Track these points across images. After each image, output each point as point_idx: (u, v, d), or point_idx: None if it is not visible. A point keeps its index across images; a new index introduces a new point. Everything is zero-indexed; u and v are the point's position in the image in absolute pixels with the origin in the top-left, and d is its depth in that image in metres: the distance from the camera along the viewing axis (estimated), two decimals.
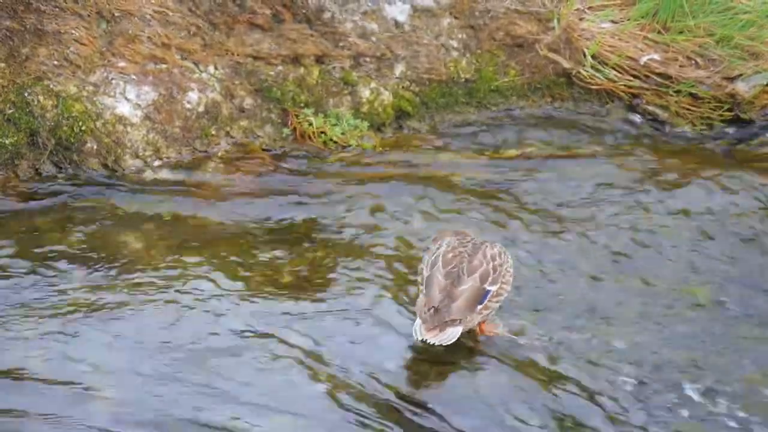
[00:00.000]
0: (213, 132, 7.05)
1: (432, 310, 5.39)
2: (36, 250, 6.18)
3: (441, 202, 6.74)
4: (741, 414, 5.36)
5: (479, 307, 5.46)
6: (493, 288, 5.50)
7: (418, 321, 5.42)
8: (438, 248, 5.64)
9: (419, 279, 5.59)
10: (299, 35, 7.29)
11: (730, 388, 5.49)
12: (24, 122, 6.70)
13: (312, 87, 7.25)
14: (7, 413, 5.11)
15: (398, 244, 6.34)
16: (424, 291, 5.50)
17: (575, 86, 7.58)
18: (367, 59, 7.40)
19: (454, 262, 5.53)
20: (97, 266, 6.09)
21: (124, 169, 6.83)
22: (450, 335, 5.37)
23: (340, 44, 7.35)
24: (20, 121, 6.69)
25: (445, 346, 5.40)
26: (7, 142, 6.67)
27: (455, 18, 7.60)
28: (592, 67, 7.52)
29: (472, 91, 7.51)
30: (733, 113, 7.51)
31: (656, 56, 7.53)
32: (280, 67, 7.24)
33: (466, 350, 5.57)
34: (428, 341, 5.37)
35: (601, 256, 6.35)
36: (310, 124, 7.16)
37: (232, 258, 6.21)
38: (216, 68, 7.15)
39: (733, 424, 5.32)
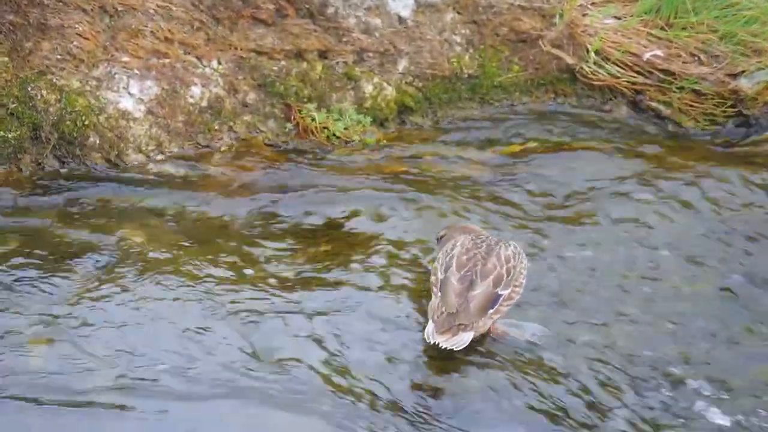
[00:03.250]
0: (216, 127, 7.05)
1: (446, 314, 5.39)
2: (38, 244, 6.18)
3: (444, 197, 6.74)
4: (749, 410, 5.37)
5: (490, 311, 5.47)
6: (505, 292, 5.51)
7: (431, 324, 5.41)
8: (452, 249, 5.64)
9: (432, 280, 5.60)
10: (302, 30, 7.30)
11: (737, 384, 5.50)
12: (27, 116, 6.70)
13: (315, 82, 7.26)
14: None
15: (402, 239, 6.34)
16: (438, 294, 5.50)
17: (578, 82, 7.59)
18: (371, 54, 7.40)
19: (468, 265, 5.54)
20: (99, 260, 6.09)
21: (126, 164, 6.84)
22: (462, 340, 5.36)
23: (344, 39, 7.35)
24: (23, 115, 6.69)
25: (456, 350, 5.39)
26: (10, 136, 6.67)
27: (458, 13, 7.60)
28: (595, 63, 7.53)
29: (475, 87, 7.51)
30: (736, 110, 7.51)
31: (659, 52, 7.54)
32: (283, 62, 7.24)
33: (469, 347, 5.55)
34: (440, 344, 5.35)
35: (604, 252, 6.35)
36: (313, 119, 7.16)
37: (235, 252, 6.21)
38: (219, 63, 7.15)
39: (740, 420, 5.33)
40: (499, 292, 5.49)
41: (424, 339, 5.40)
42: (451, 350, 5.40)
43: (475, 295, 5.45)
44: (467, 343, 5.39)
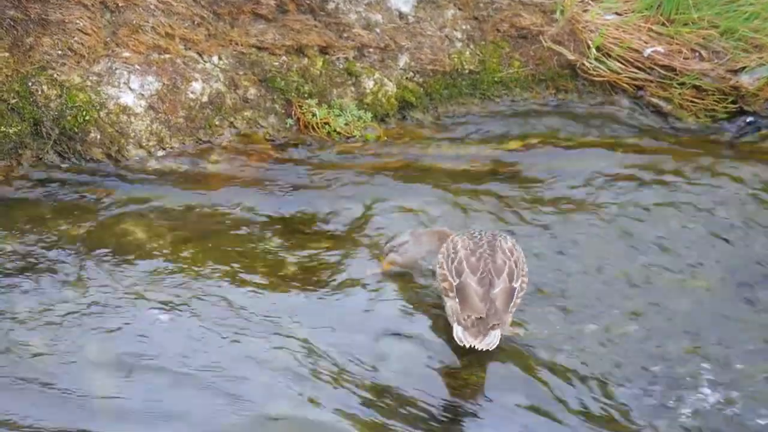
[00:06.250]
0: (217, 122, 7.05)
1: (475, 319, 5.41)
2: (39, 240, 6.18)
3: (444, 193, 6.74)
4: (747, 403, 5.37)
5: (510, 305, 5.50)
6: (517, 284, 5.53)
7: (459, 328, 5.43)
8: (454, 252, 5.63)
9: (445, 285, 5.56)
10: (303, 26, 7.29)
11: (736, 377, 5.50)
12: (28, 112, 6.70)
13: (316, 78, 7.25)
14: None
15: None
16: (456, 299, 5.49)
17: (579, 78, 7.58)
18: (371, 50, 7.40)
19: (481, 266, 5.54)
20: (100, 256, 6.09)
21: (127, 159, 6.83)
22: (494, 339, 5.41)
23: (344, 35, 7.35)
24: (24, 110, 6.70)
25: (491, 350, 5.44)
26: (11, 131, 6.67)
27: (459, 9, 7.60)
28: (596, 59, 7.52)
29: (476, 83, 7.51)
30: (737, 105, 7.51)
31: (660, 48, 7.53)
32: (284, 58, 7.24)
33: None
34: (477, 347, 5.39)
35: (603, 247, 6.35)
36: (314, 115, 7.16)
37: (235, 248, 6.21)
38: (220, 58, 7.15)
39: (738, 413, 5.33)
40: (514, 286, 5.52)
41: (459, 342, 5.42)
42: (449, 346, 5.44)
43: (497, 293, 5.48)
44: (498, 341, 5.43)
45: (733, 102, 7.50)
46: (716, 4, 7.55)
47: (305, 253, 6.23)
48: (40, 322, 5.61)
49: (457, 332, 5.43)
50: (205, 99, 7.05)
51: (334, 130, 7.17)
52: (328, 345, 5.58)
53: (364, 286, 5.99)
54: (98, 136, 6.81)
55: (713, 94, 7.51)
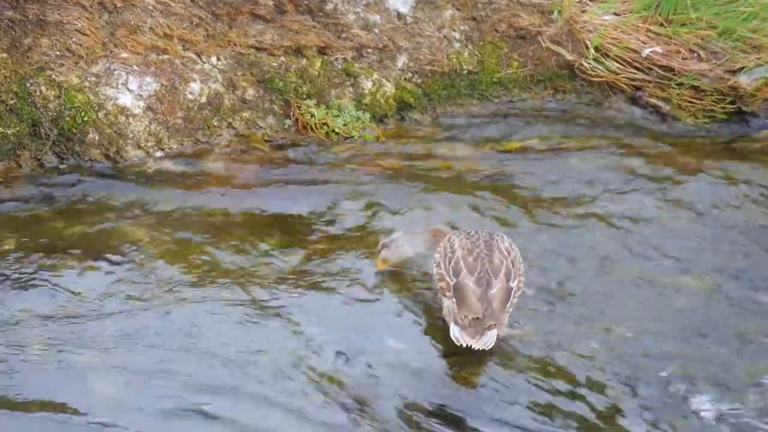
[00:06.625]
0: (215, 123, 7.05)
1: (472, 318, 5.42)
2: (38, 241, 6.18)
3: (443, 193, 6.74)
4: (743, 406, 5.37)
5: (507, 305, 5.50)
6: (514, 284, 5.53)
7: (456, 327, 5.43)
8: (451, 251, 5.63)
9: (442, 285, 5.56)
10: (301, 26, 7.30)
11: (732, 380, 5.50)
12: (26, 113, 6.70)
13: (314, 78, 7.26)
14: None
15: None
16: (453, 298, 5.49)
17: (578, 78, 7.59)
18: (370, 51, 7.40)
19: (478, 266, 5.54)
20: (98, 257, 6.09)
21: (126, 160, 6.84)
22: (490, 339, 5.41)
23: (343, 36, 7.36)
24: (22, 111, 6.70)
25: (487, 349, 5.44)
26: (9, 132, 6.67)
27: (458, 9, 7.60)
28: (594, 59, 7.53)
29: (474, 83, 7.51)
30: (735, 106, 7.52)
31: (658, 49, 7.54)
32: (282, 58, 7.24)
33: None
34: (473, 347, 5.39)
35: (602, 248, 6.35)
36: (312, 116, 7.17)
37: (234, 249, 6.21)
38: (218, 59, 7.15)
39: (739, 413, 5.33)
40: (511, 285, 5.52)
41: (456, 341, 5.43)
42: (446, 344, 5.46)
43: (494, 294, 5.47)
44: (495, 341, 5.43)
45: (731, 102, 7.51)
46: (714, 5, 7.56)
47: (303, 253, 6.23)
48: (39, 323, 5.61)
49: (454, 331, 5.43)
50: (203, 100, 7.05)
51: (333, 131, 7.17)
52: (324, 344, 5.57)
53: (361, 285, 5.98)
54: (97, 137, 6.81)
55: (711, 95, 7.52)
